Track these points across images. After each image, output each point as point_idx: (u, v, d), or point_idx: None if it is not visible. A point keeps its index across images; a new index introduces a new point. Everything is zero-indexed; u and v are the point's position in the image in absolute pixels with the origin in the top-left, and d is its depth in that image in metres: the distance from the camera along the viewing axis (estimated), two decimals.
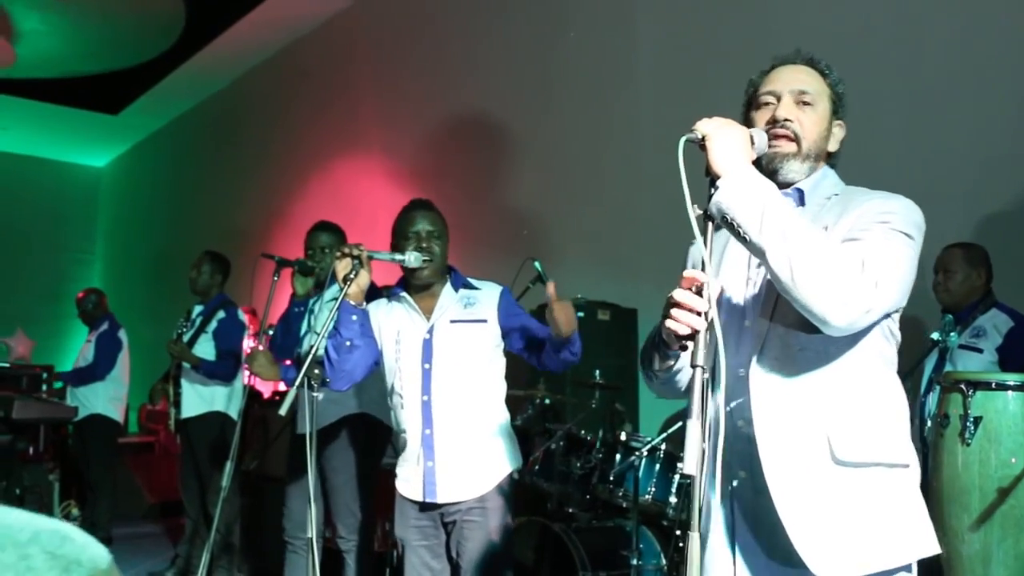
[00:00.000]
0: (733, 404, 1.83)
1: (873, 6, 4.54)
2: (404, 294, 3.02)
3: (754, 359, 1.81)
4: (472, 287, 3.02)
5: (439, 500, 2.87)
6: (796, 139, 1.85)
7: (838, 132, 1.94)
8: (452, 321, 2.94)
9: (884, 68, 4.42)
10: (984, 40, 4.13)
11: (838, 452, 1.73)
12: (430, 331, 2.94)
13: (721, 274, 1.92)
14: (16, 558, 0.69)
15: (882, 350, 1.81)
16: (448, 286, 3.01)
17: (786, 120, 1.85)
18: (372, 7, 8.41)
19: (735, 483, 1.84)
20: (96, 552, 0.74)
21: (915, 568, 1.78)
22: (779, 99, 1.87)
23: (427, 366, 2.91)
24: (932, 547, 1.77)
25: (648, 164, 5.42)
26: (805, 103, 1.87)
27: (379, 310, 3.07)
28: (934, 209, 4.20)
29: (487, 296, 2.99)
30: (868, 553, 1.71)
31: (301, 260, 4.01)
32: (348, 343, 2.90)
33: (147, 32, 9.04)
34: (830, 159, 1.94)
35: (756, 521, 1.81)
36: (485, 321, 2.94)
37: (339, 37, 8.87)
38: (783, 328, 1.79)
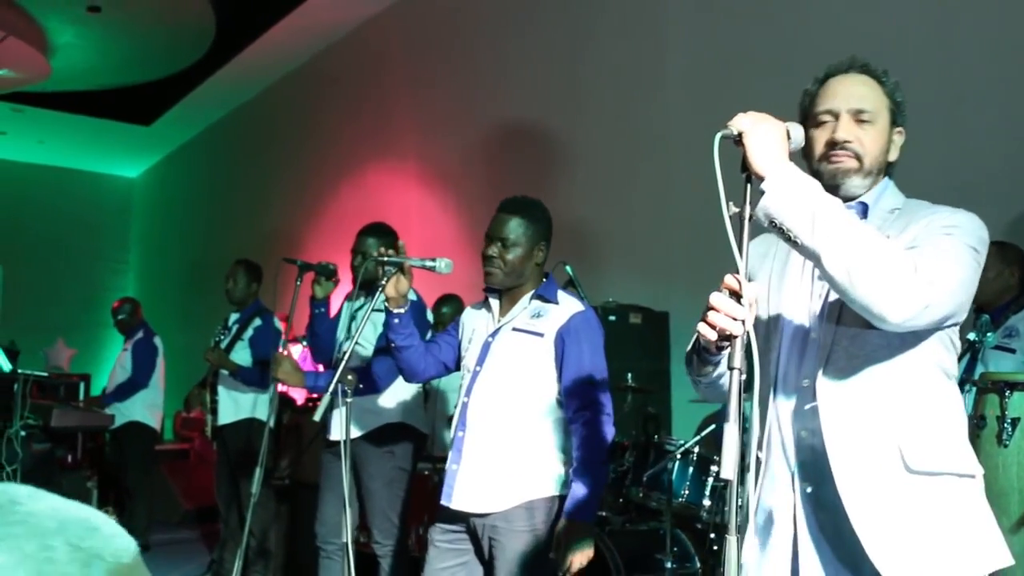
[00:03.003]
0: (796, 414, 1.81)
1: (906, 9, 4.51)
2: (492, 297, 2.96)
3: (820, 369, 1.78)
4: (550, 300, 2.85)
5: (453, 505, 2.80)
6: (858, 157, 1.82)
7: (898, 140, 1.91)
8: (515, 329, 2.84)
9: (917, 70, 4.38)
10: (1016, 42, 4.09)
11: (910, 461, 1.72)
12: (493, 335, 2.88)
13: (785, 283, 1.89)
14: (37, 548, 0.67)
15: (942, 360, 1.80)
16: (529, 294, 2.89)
17: (847, 142, 1.81)
18: (402, 14, 8.45)
19: (800, 493, 1.80)
20: (121, 545, 0.73)
21: None
22: (837, 117, 1.84)
23: (478, 368, 2.85)
24: (1005, 559, 1.75)
25: (679, 167, 5.41)
26: (864, 121, 1.83)
27: (468, 312, 3.09)
28: (968, 209, 4.16)
29: (558, 312, 2.82)
30: (942, 563, 1.70)
31: (322, 264, 4.02)
32: (392, 345, 2.98)
33: (178, 43, 9.14)
34: (889, 168, 1.90)
35: (822, 531, 1.78)
36: (542, 335, 2.79)
37: (369, 44, 8.91)
38: (848, 338, 1.77)
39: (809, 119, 1.88)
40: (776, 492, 1.83)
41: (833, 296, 1.77)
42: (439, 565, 2.87)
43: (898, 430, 1.73)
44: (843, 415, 1.75)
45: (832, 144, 1.82)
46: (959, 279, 1.66)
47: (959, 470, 1.75)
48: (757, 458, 1.83)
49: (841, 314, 1.76)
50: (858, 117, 1.83)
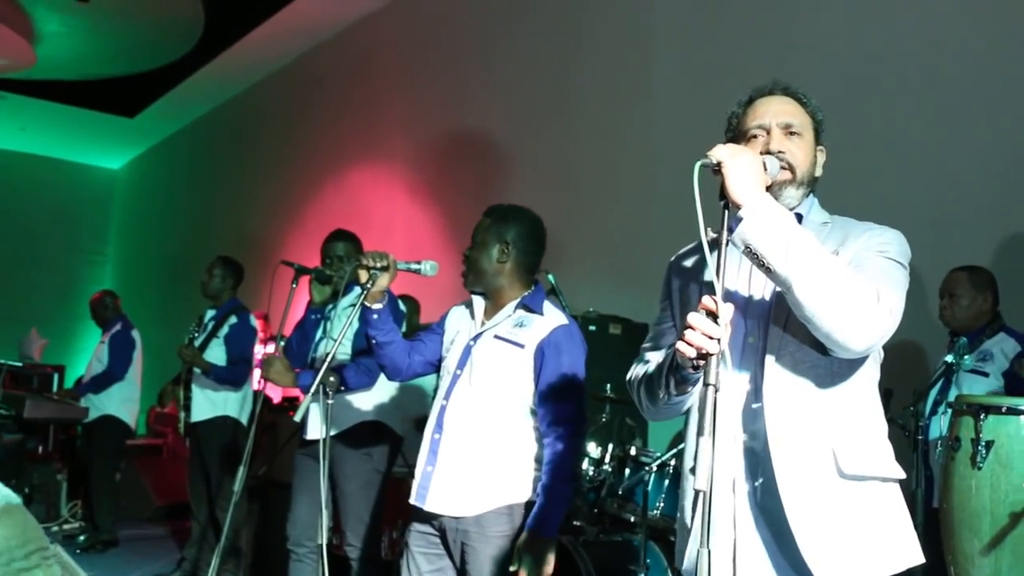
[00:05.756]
0: (743, 414, 1.90)
1: (890, 24, 4.54)
2: (478, 298, 2.98)
3: (767, 373, 1.86)
4: (535, 310, 2.87)
5: (427, 507, 2.81)
6: (790, 168, 1.93)
7: (820, 157, 2.03)
8: (496, 336, 2.85)
9: (900, 87, 4.41)
10: (1000, 60, 4.12)
11: (843, 465, 1.83)
12: (475, 339, 2.89)
13: (734, 283, 1.96)
14: None
15: (872, 370, 1.94)
16: (515, 301, 2.90)
17: (780, 152, 1.92)
18: (391, 17, 8.44)
19: (740, 490, 1.88)
20: (7, 491, 0.82)
21: None
22: (768, 131, 1.95)
23: (458, 372, 2.86)
24: (919, 557, 1.90)
25: (662, 179, 5.42)
26: (793, 133, 1.96)
27: (454, 310, 3.09)
28: (946, 231, 4.20)
29: (541, 324, 2.83)
30: (868, 562, 1.82)
31: (319, 268, 4.05)
32: (373, 341, 2.98)
33: (166, 36, 9.10)
34: (813, 184, 2.01)
35: (759, 530, 1.87)
36: (523, 347, 2.80)
37: (357, 45, 8.90)
38: (795, 345, 1.85)
39: (739, 136, 2.00)
40: (717, 489, 1.86)
41: (778, 302, 1.86)
42: (415, 571, 2.88)
43: (833, 435, 1.85)
44: (786, 418, 1.84)
45: (767, 155, 1.91)
46: (902, 302, 1.79)
47: (884, 474, 1.89)
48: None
49: (788, 322, 1.85)
50: (788, 130, 1.96)
